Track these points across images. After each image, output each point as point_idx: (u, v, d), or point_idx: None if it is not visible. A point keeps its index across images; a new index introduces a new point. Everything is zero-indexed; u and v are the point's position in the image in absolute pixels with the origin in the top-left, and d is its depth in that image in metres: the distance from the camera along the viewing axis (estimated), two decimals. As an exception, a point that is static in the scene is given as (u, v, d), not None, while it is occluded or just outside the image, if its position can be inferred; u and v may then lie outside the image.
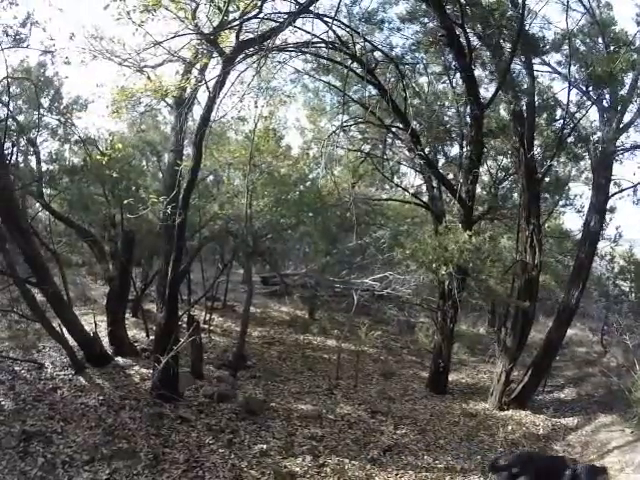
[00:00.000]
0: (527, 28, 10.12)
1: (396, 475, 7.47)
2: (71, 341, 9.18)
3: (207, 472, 6.82)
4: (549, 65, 11.01)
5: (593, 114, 11.17)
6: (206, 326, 13.11)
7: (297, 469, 7.28)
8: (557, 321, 11.16)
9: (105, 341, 10.14)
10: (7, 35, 8.36)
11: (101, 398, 8.24)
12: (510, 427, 9.69)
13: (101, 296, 13.81)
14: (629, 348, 11.28)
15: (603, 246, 14.05)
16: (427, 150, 12.36)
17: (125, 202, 8.46)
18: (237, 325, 13.70)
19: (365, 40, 8.85)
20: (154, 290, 13.31)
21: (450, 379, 12.09)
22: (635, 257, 13.91)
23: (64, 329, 9.04)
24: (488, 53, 10.47)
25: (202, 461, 7.04)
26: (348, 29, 8.89)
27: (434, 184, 12.53)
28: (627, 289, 14.23)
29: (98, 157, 8.87)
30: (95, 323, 10.15)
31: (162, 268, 9.93)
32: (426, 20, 10.59)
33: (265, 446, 7.70)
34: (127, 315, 11.69)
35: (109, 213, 10.96)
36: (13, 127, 10.13)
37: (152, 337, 11.48)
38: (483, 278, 10.34)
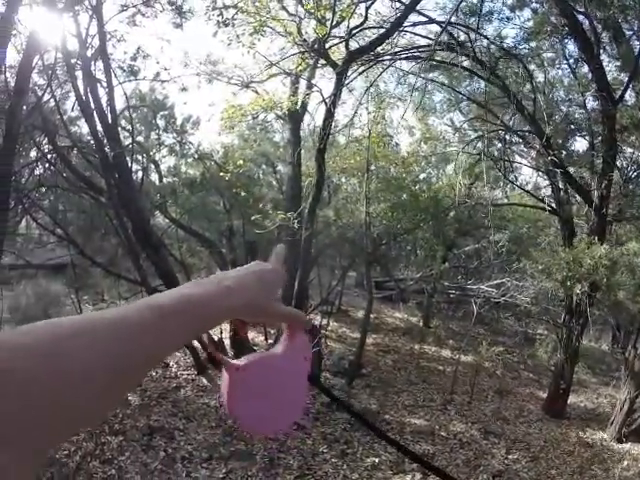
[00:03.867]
0: None
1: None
2: (195, 343, 9.83)
3: (318, 480, 6.91)
4: None
5: None
6: (322, 331, 13.30)
7: (405, 486, 7.13)
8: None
9: (227, 343, 10.71)
10: (123, 70, 9.24)
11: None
12: (626, 462, 8.64)
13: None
14: None
15: None
16: (554, 146, 11.35)
17: (253, 218, 8.85)
18: (352, 331, 13.75)
19: (489, 41, 8.32)
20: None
21: (568, 402, 11.08)
22: None
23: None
24: (608, 39, 9.37)
25: (315, 469, 7.13)
26: (464, 28, 8.46)
27: (561, 186, 11.40)
28: None
29: (221, 174, 9.43)
30: (220, 328, 10.73)
31: (287, 279, 10.19)
32: (537, 5, 9.79)
33: (377, 460, 7.63)
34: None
35: (230, 222, 11.56)
36: (137, 149, 11.16)
37: (270, 341, 11.95)
38: (612, 290, 9.32)
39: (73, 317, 0.45)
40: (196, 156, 12.30)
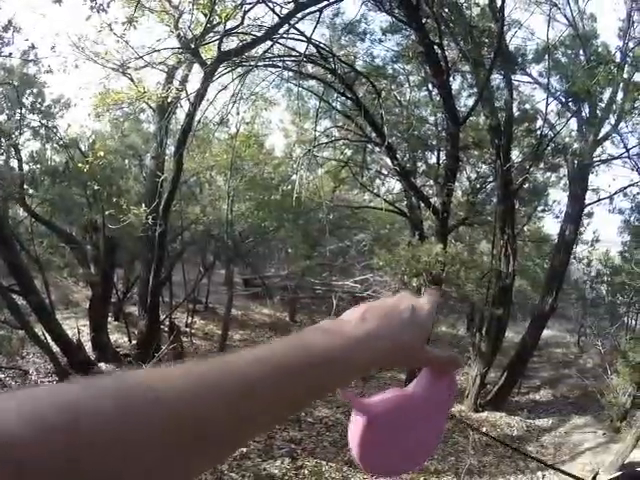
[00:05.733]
0: (510, 41, 10.42)
1: (372, 476, 7.72)
2: (54, 347, 9.26)
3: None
4: (530, 76, 11.36)
5: (573, 123, 11.54)
6: (188, 329, 13.19)
7: (276, 471, 7.49)
8: (531, 326, 11.58)
9: (88, 347, 10.22)
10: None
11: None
12: (485, 429, 9.99)
13: (83, 299, 13.79)
14: (604, 351, 11.68)
15: (581, 249, 14.46)
16: (406, 158, 12.59)
17: (107, 213, 8.56)
18: (219, 328, 13.80)
19: (340, 60, 9.01)
20: (136, 293, 13.42)
21: (427, 381, 12.31)
22: (612, 261, 14.10)
23: (47, 336, 9.12)
24: (468, 67, 10.71)
25: (184, 465, 7.20)
26: (323, 45, 9.09)
27: (412, 192, 12.69)
28: (604, 292, 14.48)
29: (80, 165, 8.91)
30: (78, 329, 10.22)
31: (143, 275, 9.99)
32: (408, 32, 10.76)
33: (245, 449, 7.86)
34: (109, 319, 11.74)
35: (91, 217, 10.96)
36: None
37: (134, 342, 11.59)
38: (459, 284, 10.66)
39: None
40: (62, 142, 11.37)
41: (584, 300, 14.66)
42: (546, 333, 13.43)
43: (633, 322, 14.38)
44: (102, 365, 10.10)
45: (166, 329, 10.52)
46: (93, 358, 10.13)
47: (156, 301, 8.82)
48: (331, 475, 7.62)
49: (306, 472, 7.62)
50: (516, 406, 11.42)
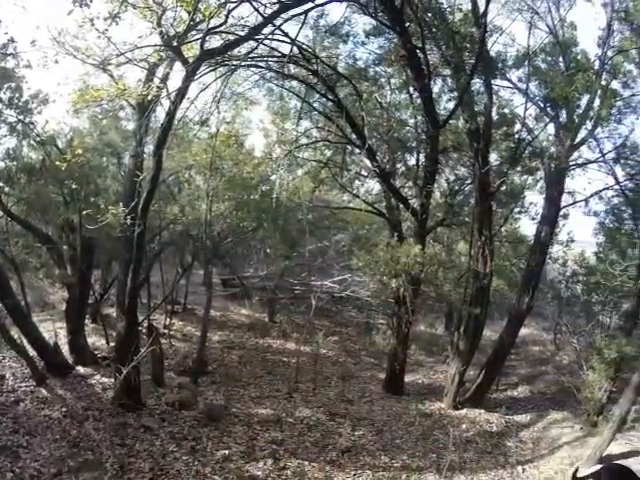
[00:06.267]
0: (491, 47, 10.57)
1: (354, 475, 7.80)
2: (31, 351, 9.05)
3: (172, 479, 6.95)
4: (510, 81, 11.51)
5: (551, 128, 11.78)
6: (166, 331, 13.03)
7: (259, 473, 7.50)
8: (508, 325, 11.81)
9: (65, 349, 10.02)
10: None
11: (64, 410, 8.18)
12: (464, 426, 10.17)
13: (59, 300, 13.53)
14: (580, 348, 11.99)
15: (556, 250, 14.78)
16: (386, 160, 12.68)
17: (84, 212, 8.41)
18: (197, 329, 13.71)
19: (322, 62, 9.02)
20: (113, 294, 13.21)
21: (407, 380, 12.48)
22: (587, 261, 14.37)
23: (23, 339, 8.91)
24: (449, 71, 10.83)
25: (167, 469, 7.16)
26: (306, 47, 9.09)
27: (391, 194, 12.79)
28: (579, 291, 14.78)
29: (57, 163, 8.71)
30: (55, 332, 10.02)
31: (121, 276, 9.82)
32: (391, 35, 10.84)
33: (227, 452, 7.88)
34: (87, 321, 11.52)
35: (68, 217, 10.73)
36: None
37: (112, 344, 11.39)
38: (437, 284, 10.78)
39: None
40: (39, 139, 11.07)
41: (560, 299, 15.05)
42: (523, 331, 13.74)
43: (608, 320, 14.76)
44: (80, 368, 9.93)
45: (144, 331, 10.37)
46: (71, 361, 9.95)
47: (134, 302, 8.66)
48: (314, 475, 7.68)
49: (289, 473, 7.65)
50: (495, 403, 11.66)
